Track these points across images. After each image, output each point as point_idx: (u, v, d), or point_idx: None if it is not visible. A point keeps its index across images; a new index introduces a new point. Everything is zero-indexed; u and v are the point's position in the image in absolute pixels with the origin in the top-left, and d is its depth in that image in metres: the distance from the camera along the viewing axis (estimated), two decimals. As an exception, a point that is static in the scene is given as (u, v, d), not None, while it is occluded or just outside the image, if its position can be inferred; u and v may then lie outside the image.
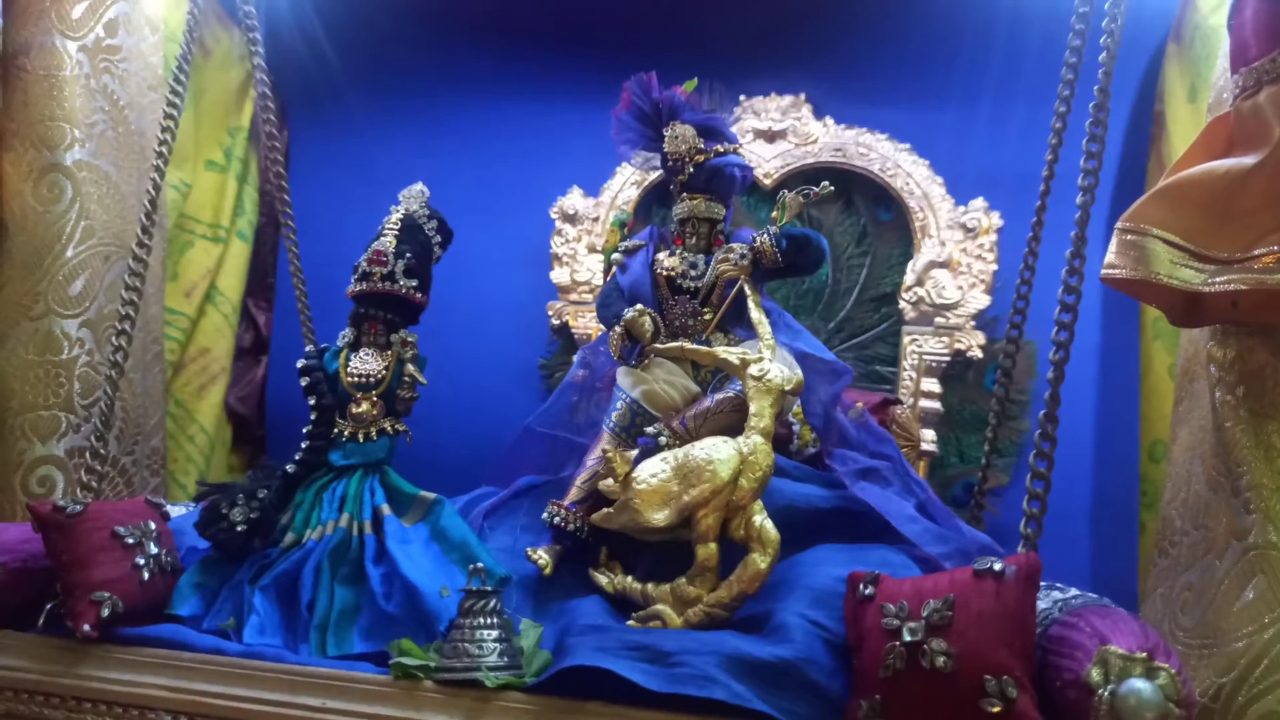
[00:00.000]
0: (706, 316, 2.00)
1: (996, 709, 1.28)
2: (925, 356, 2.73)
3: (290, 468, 1.90)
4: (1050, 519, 2.71)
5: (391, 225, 2.01)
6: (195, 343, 2.94)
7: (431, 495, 1.89)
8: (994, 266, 2.72)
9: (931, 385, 2.71)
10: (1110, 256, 1.56)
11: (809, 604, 1.52)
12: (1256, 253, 1.45)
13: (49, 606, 1.73)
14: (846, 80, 2.87)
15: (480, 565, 1.56)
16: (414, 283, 1.98)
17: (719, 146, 2.03)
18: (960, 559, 1.62)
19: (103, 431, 1.87)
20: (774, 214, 1.95)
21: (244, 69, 3.10)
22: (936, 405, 2.70)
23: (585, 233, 3.01)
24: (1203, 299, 1.60)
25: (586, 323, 2.96)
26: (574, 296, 2.99)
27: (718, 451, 1.63)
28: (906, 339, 2.76)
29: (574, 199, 3.03)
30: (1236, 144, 1.53)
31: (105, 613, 1.61)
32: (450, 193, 3.21)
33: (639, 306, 1.86)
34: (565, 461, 1.96)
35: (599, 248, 2.98)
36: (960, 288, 2.73)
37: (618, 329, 1.88)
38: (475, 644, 1.50)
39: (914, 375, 2.74)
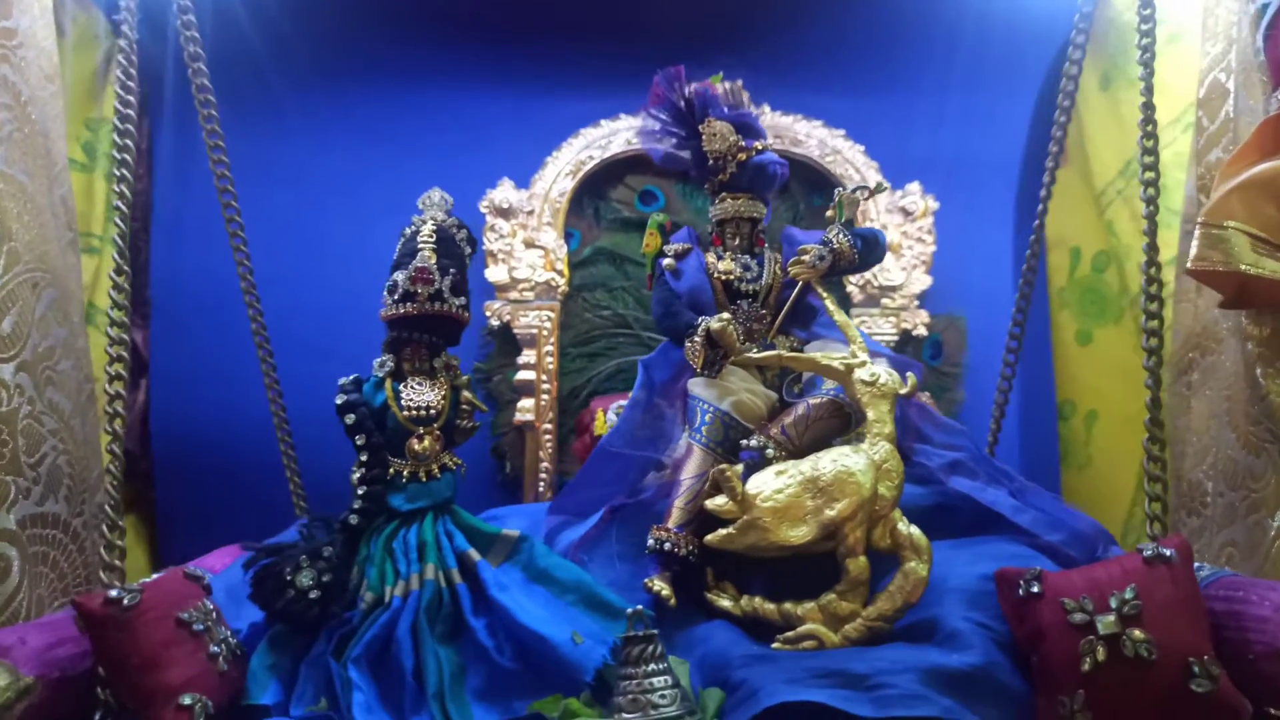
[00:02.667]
0: (766, 320, 1.94)
1: (1205, 689, 1.36)
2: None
3: (352, 518, 1.66)
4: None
5: (425, 239, 1.79)
6: (81, 371, 2.51)
7: (515, 533, 1.72)
8: (933, 248, 2.85)
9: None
10: (1197, 249, 1.67)
11: (968, 606, 1.54)
12: (1334, 243, 1.60)
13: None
14: (782, 67, 2.87)
15: (640, 609, 1.45)
16: (461, 300, 1.79)
17: (757, 144, 1.97)
18: (1079, 543, 1.69)
19: (116, 499, 1.57)
20: (829, 212, 1.92)
21: (101, 50, 2.66)
22: (886, 383, 2.80)
23: (520, 227, 2.85)
24: (1252, 284, 1.74)
25: (530, 322, 2.82)
26: (514, 295, 2.83)
27: (853, 462, 1.60)
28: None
29: (505, 191, 2.85)
30: (1292, 141, 1.68)
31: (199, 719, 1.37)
32: (364, 188, 2.94)
33: (724, 316, 1.77)
34: (639, 479, 1.85)
35: (537, 242, 2.84)
36: (904, 269, 2.83)
37: (697, 339, 1.78)
38: (654, 693, 1.39)
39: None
